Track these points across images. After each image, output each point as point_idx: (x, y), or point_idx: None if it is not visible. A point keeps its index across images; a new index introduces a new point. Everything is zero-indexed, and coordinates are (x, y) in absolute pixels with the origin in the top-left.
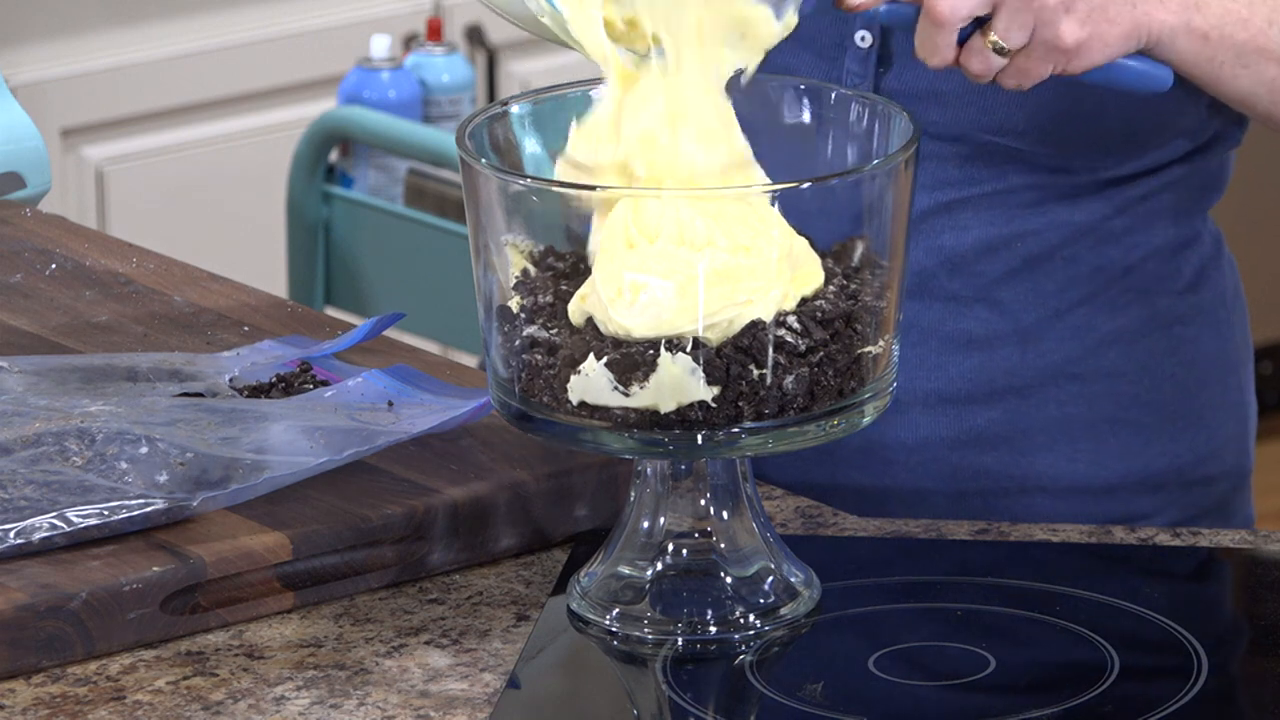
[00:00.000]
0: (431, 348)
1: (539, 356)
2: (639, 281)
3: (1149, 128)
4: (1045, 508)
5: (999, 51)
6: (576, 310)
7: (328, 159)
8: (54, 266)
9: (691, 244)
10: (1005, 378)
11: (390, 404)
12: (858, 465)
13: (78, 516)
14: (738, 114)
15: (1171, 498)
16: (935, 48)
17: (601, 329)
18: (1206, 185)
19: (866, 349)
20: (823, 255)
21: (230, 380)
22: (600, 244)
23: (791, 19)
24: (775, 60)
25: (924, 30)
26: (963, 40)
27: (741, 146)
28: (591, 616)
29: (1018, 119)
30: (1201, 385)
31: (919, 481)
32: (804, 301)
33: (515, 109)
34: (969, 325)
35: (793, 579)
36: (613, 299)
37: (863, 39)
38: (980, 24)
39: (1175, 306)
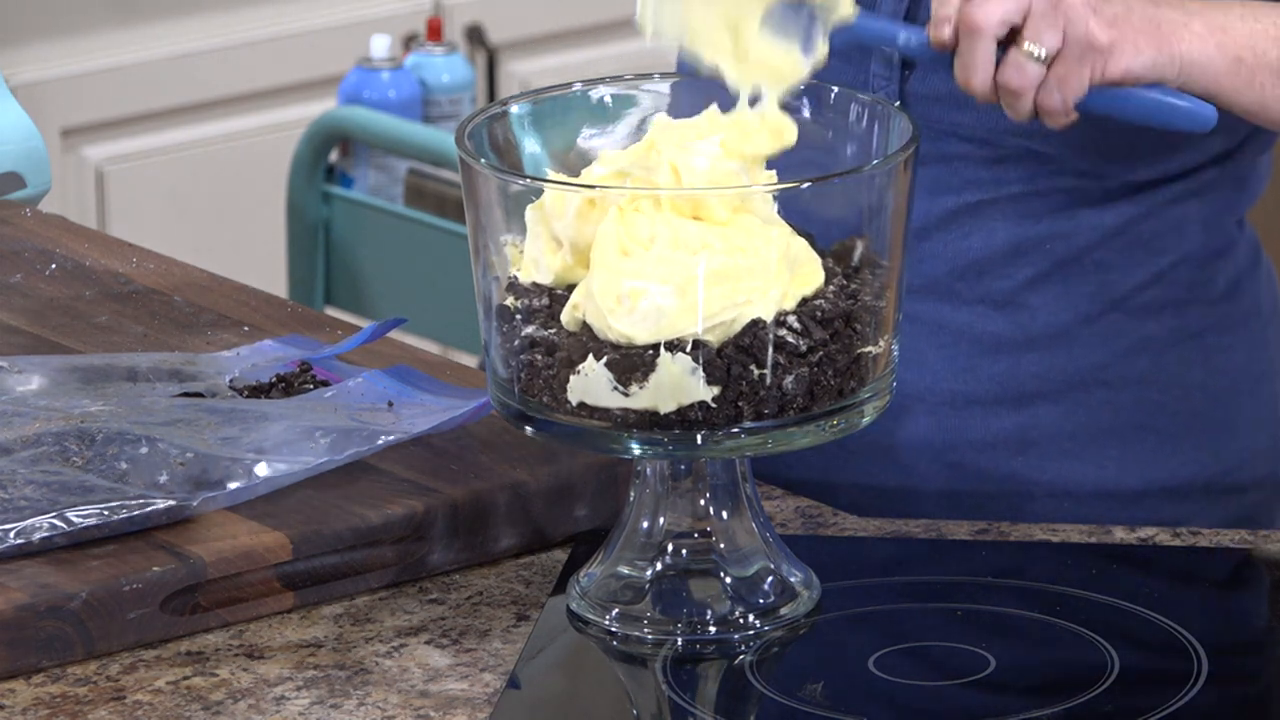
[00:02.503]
0: (431, 348)
1: (538, 356)
2: (638, 288)
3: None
4: (1071, 514)
5: (1035, 59)
6: (570, 319)
7: (328, 159)
8: (54, 266)
9: (687, 247)
10: (1033, 382)
11: (390, 404)
12: (881, 465)
13: (78, 516)
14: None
15: (1198, 507)
16: (974, 63)
17: (600, 336)
18: (1238, 190)
19: (866, 349)
20: (823, 255)
21: (230, 380)
22: (593, 254)
23: (821, 53)
24: None
25: (963, 45)
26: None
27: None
28: (591, 616)
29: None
30: (1232, 396)
31: (942, 483)
32: (804, 301)
33: (515, 109)
34: (997, 329)
35: (792, 579)
36: (611, 308)
37: None
38: (1011, 40)
39: (1207, 315)
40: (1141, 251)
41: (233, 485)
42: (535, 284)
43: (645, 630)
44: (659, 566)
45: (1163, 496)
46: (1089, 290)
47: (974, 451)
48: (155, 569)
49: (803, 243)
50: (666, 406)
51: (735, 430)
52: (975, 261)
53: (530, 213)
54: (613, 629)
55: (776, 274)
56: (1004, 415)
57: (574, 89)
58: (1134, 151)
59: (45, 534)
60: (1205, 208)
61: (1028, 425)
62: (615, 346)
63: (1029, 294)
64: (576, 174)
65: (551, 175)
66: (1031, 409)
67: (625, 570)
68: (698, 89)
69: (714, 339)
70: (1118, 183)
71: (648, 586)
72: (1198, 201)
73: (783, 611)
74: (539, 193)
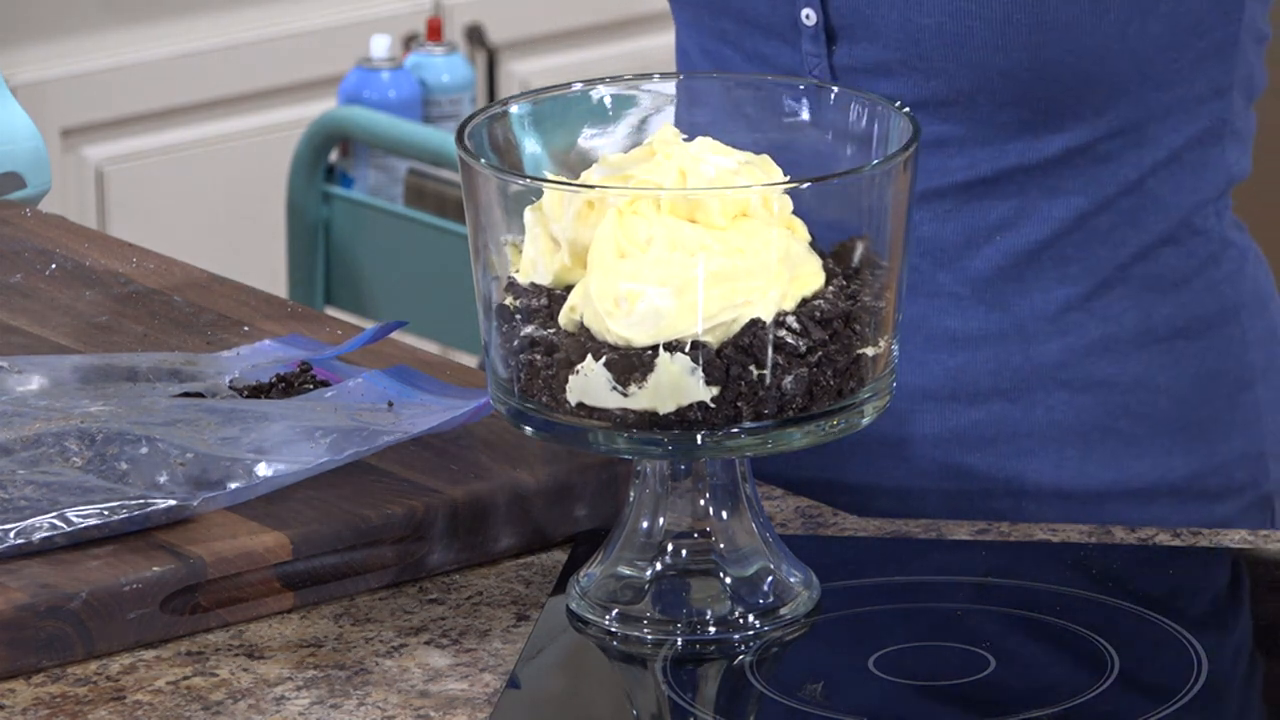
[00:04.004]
0: (431, 348)
1: (537, 356)
2: (635, 291)
3: (1111, 80)
4: (1033, 512)
5: None
6: (568, 321)
7: (328, 159)
8: (54, 266)
9: (685, 248)
10: (990, 378)
11: (390, 404)
12: (848, 460)
13: (78, 516)
14: (738, 114)
15: (1165, 512)
16: None
17: (599, 338)
18: (1201, 180)
19: (865, 349)
20: (823, 255)
21: (230, 381)
22: (590, 256)
23: None
24: (750, 48)
25: None
26: None
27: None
28: (591, 616)
29: (964, 80)
30: (1203, 402)
31: (906, 479)
32: (804, 302)
33: (515, 109)
34: (953, 323)
35: (792, 579)
36: (609, 311)
37: (808, 17)
38: None
39: (1177, 318)
40: (1100, 246)
41: (233, 485)
42: (534, 284)
43: (645, 630)
44: (659, 566)
45: (1126, 498)
46: (1046, 286)
47: (929, 446)
48: (155, 569)
49: (802, 243)
50: (666, 407)
51: (735, 430)
52: (928, 251)
53: (529, 214)
54: (613, 629)
55: (776, 274)
56: (960, 411)
57: (574, 89)
58: (1071, 96)
59: (45, 534)
60: (1163, 196)
61: (985, 422)
62: (614, 347)
63: (985, 288)
64: (577, 174)
65: (551, 176)
66: (987, 406)
67: (625, 570)
68: (710, 88)
69: (713, 339)
70: (1060, 149)
71: (647, 586)
72: (1155, 192)
73: (783, 611)
74: (539, 193)
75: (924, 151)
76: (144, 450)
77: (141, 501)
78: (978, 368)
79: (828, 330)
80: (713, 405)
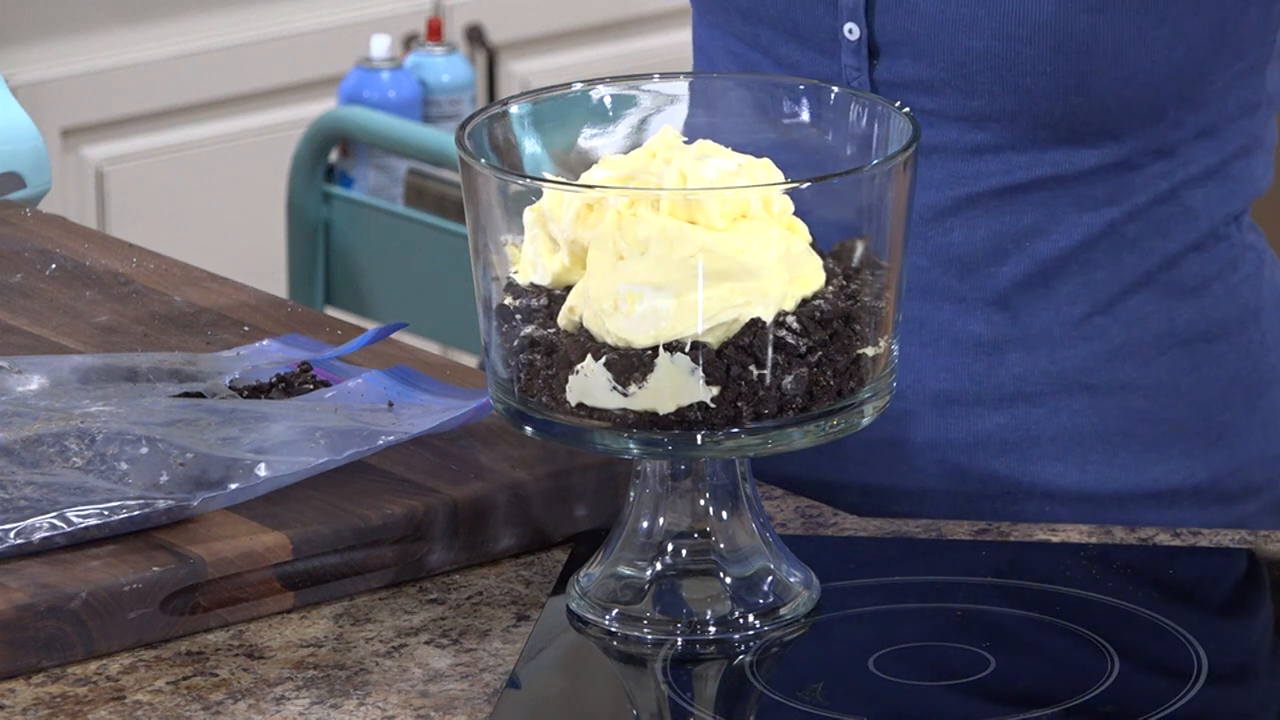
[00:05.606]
0: (431, 348)
1: (537, 357)
2: (634, 292)
3: (1153, 102)
4: (1053, 515)
5: None
6: (567, 322)
7: (328, 159)
8: (54, 266)
9: (685, 249)
10: (1014, 383)
11: (390, 405)
12: (866, 463)
13: (78, 516)
14: (738, 114)
15: (1186, 514)
16: None
17: (598, 339)
18: (1231, 192)
19: (865, 349)
20: (823, 255)
21: (230, 381)
22: (589, 257)
23: None
24: (784, 57)
25: None
26: None
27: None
28: (591, 616)
29: (1008, 101)
30: (1224, 405)
31: (927, 482)
32: (804, 302)
33: (515, 109)
34: (979, 328)
35: (792, 579)
36: (609, 312)
37: (850, 31)
38: None
39: (1199, 322)
40: (1128, 254)
41: (233, 485)
42: (533, 284)
43: (645, 630)
44: (659, 566)
45: (1147, 501)
46: (1072, 292)
47: (956, 451)
48: (155, 569)
49: (803, 243)
50: (666, 407)
51: (735, 430)
52: (957, 258)
53: (528, 214)
54: (613, 629)
55: (776, 275)
56: (986, 415)
57: (574, 89)
58: (1112, 119)
59: (45, 534)
60: (1194, 210)
61: (1009, 426)
62: (614, 347)
63: (1012, 294)
64: (577, 175)
65: (551, 176)
66: (1013, 410)
67: (625, 570)
68: (710, 89)
69: (713, 339)
70: (1094, 165)
71: (647, 586)
72: (1185, 202)
73: (783, 611)
74: (539, 193)
75: (958, 158)
76: (144, 450)
77: (141, 501)
78: (1002, 373)
79: (828, 330)
80: (713, 405)
